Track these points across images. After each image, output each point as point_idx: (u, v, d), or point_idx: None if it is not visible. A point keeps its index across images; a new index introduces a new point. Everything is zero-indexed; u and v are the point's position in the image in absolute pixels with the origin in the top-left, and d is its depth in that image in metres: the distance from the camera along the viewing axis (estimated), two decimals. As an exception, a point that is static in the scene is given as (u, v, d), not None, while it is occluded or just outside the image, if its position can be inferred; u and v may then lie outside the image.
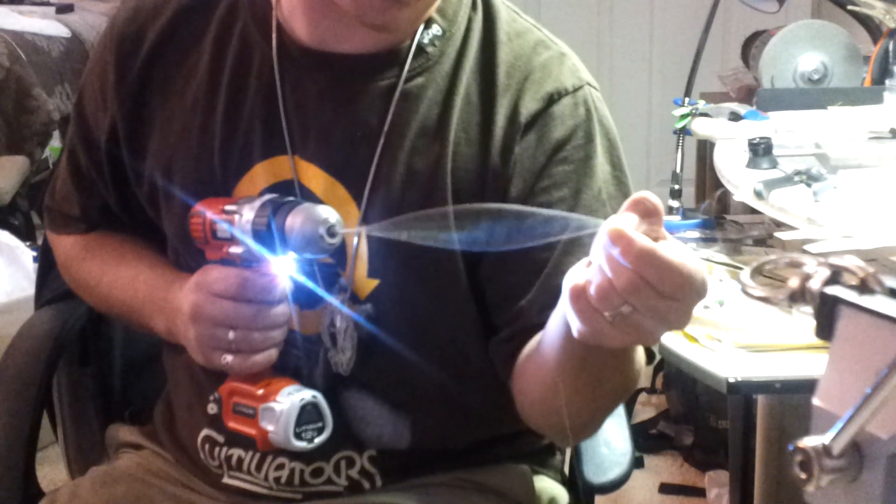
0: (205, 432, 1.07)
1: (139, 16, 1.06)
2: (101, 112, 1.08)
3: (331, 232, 0.90)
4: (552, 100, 0.99)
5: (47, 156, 3.64)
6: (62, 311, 1.26)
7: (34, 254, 2.43)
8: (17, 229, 3.11)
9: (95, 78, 1.09)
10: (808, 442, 0.56)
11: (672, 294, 0.70)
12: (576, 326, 0.75)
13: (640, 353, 0.89)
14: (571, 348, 0.83)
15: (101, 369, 1.31)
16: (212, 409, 1.03)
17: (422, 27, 1.00)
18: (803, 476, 0.56)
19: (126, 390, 1.33)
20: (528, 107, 0.99)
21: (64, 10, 4.14)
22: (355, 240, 0.98)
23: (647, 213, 0.70)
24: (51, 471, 2.10)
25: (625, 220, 0.70)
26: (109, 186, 1.11)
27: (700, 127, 2.16)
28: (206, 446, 1.07)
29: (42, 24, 3.83)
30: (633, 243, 0.68)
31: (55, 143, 3.61)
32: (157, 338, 1.09)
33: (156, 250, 1.11)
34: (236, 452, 1.05)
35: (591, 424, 1.00)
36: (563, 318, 0.81)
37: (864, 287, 0.61)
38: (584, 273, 0.73)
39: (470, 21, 1.02)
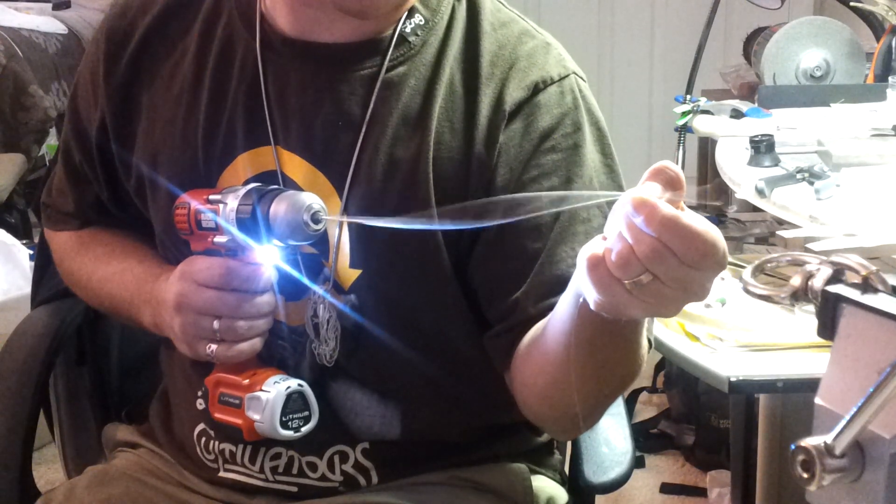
0: (200, 427, 1.08)
1: (129, 11, 1.08)
2: (93, 106, 1.10)
3: (315, 218, 0.91)
4: (538, 88, 0.99)
5: (44, 153, 3.64)
6: (59, 310, 1.26)
7: (31, 252, 2.43)
8: (14, 227, 3.11)
9: (87, 73, 1.11)
10: (810, 441, 0.56)
11: (694, 263, 0.69)
12: (592, 297, 0.74)
13: (644, 340, 0.89)
14: (581, 332, 0.83)
15: (97, 368, 1.31)
16: (200, 404, 1.04)
17: (404, 16, 1.00)
18: (805, 476, 0.56)
19: (123, 389, 1.32)
20: (513, 95, 0.99)
21: (60, 6, 4.14)
22: (336, 229, 0.98)
23: (670, 182, 0.70)
24: (47, 471, 2.10)
25: (648, 189, 0.69)
26: (101, 180, 1.13)
27: (702, 124, 2.15)
28: (203, 440, 1.07)
29: (38, 21, 3.83)
30: (657, 211, 0.68)
31: (52, 140, 3.61)
32: (154, 337, 1.10)
33: (148, 245, 1.12)
34: (227, 447, 1.05)
35: (595, 413, 0.99)
36: (572, 302, 0.81)
37: (866, 285, 0.61)
38: (601, 244, 0.72)
39: (454, 11, 1.02)
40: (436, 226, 0.94)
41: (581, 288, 0.76)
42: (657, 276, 0.70)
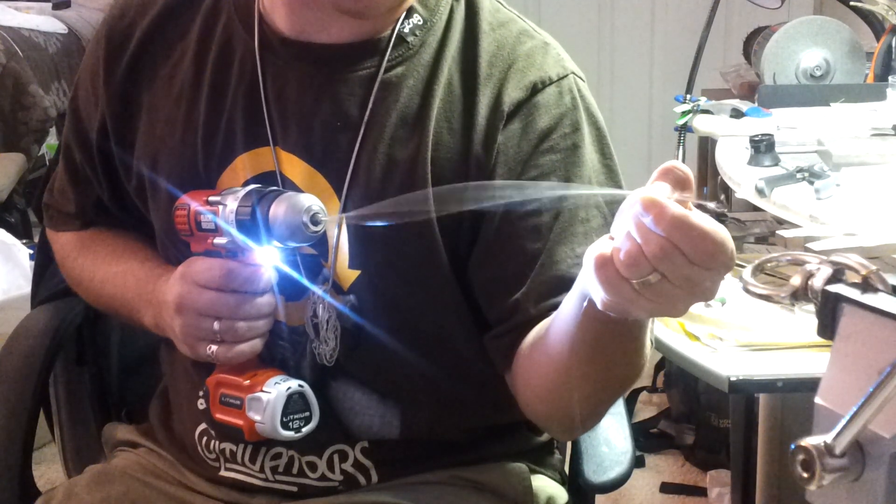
0: (202, 426, 1.08)
1: (129, 11, 1.08)
2: (93, 107, 1.10)
3: (314, 220, 0.91)
4: (536, 89, 0.99)
5: (44, 153, 3.64)
6: (59, 310, 1.26)
7: (31, 252, 2.43)
8: (14, 227, 3.11)
9: (88, 73, 1.11)
10: (810, 441, 0.56)
11: (702, 262, 0.69)
12: (599, 297, 0.74)
13: (649, 340, 0.89)
14: (586, 332, 0.83)
15: (97, 368, 1.31)
16: (201, 404, 1.03)
17: (402, 16, 1.00)
18: (805, 475, 0.56)
19: (123, 389, 1.33)
20: (512, 95, 0.98)
21: (60, 6, 4.15)
22: (335, 230, 0.98)
23: (678, 182, 0.70)
24: (47, 470, 2.10)
25: (657, 189, 0.69)
26: (102, 181, 1.13)
27: (702, 124, 2.15)
28: (204, 439, 1.08)
29: (38, 20, 3.83)
30: (666, 210, 0.68)
31: (52, 139, 3.61)
32: (154, 337, 1.10)
33: (149, 246, 1.12)
34: (228, 446, 1.05)
35: (597, 413, 0.99)
36: (577, 303, 0.81)
37: (866, 285, 0.61)
38: (608, 244, 0.72)
39: (452, 11, 1.02)
40: (433, 212, 0.93)
41: (588, 288, 0.76)
42: (665, 276, 0.70)
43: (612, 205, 0.98)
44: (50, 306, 1.27)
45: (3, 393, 1.19)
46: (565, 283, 0.92)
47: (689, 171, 0.70)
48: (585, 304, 0.79)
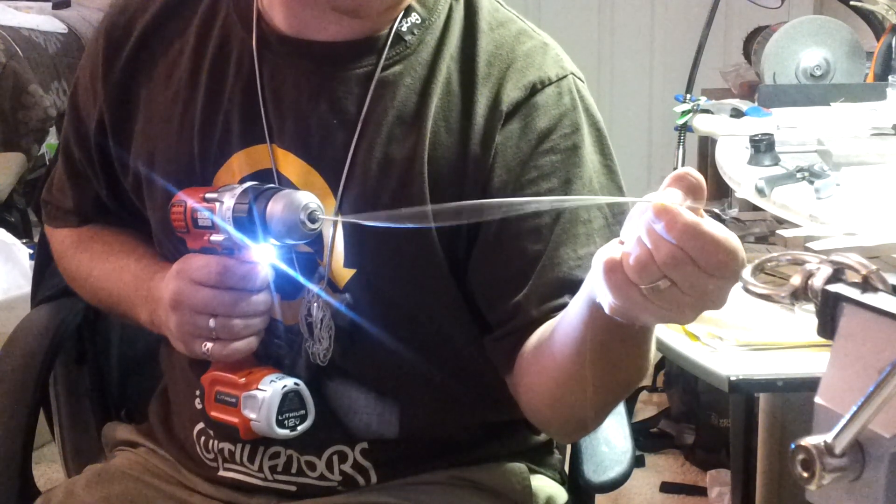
0: (200, 426, 1.08)
1: (129, 8, 1.09)
2: (92, 103, 1.10)
3: (311, 217, 0.91)
4: (535, 89, 0.99)
5: (44, 152, 3.64)
6: (59, 309, 1.26)
7: (31, 251, 2.43)
8: (14, 227, 3.12)
9: (87, 70, 1.11)
10: (811, 440, 0.56)
11: (713, 270, 0.69)
12: (607, 301, 0.74)
13: (654, 344, 0.89)
14: (593, 335, 0.83)
15: (97, 367, 1.31)
16: (198, 403, 1.03)
17: (400, 15, 1.00)
18: (805, 475, 0.56)
19: (123, 388, 1.32)
20: (510, 95, 0.98)
21: (60, 5, 4.14)
22: (331, 229, 0.98)
23: (691, 189, 0.69)
24: (47, 469, 2.10)
25: (669, 195, 0.69)
26: (100, 178, 1.13)
27: (702, 123, 2.15)
28: (202, 439, 1.08)
29: (38, 20, 3.83)
30: (678, 217, 0.68)
31: (52, 139, 3.61)
32: (154, 336, 1.10)
33: (147, 243, 1.12)
34: (226, 446, 1.05)
35: (601, 415, 0.99)
36: (584, 306, 0.81)
37: (866, 284, 0.61)
38: (618, 248, 0.72)
39: (451, 10, 1.02)
40: (432, 224, 0.93)
41: (595, 291, 0.76)
42: (675, 283, 0.70)
43: (615, 206, 0.98)
44: (50, 306, 1.27)
45: (3, 393, 1.19)
46: (567, 285, 0.92)
47: (702, 179, 0.70)
48: (592, 307, 0.79)
